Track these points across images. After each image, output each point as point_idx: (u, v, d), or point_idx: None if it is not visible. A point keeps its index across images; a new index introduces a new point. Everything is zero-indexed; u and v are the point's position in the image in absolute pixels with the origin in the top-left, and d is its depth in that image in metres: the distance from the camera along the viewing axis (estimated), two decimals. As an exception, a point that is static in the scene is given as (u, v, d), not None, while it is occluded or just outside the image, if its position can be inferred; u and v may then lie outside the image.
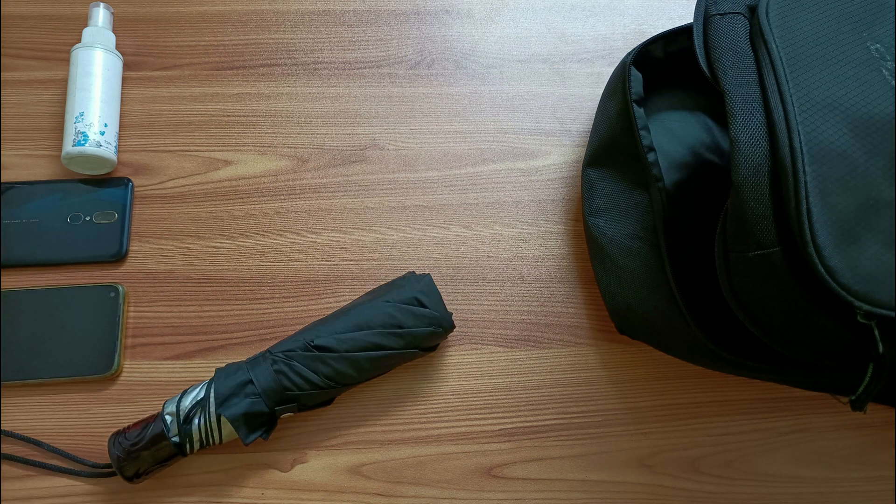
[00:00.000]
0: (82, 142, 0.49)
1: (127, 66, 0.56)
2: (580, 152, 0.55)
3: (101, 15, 0.54)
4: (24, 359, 0.45)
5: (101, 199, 0.50)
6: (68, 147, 0.49)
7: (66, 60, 0.55)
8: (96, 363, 0.46)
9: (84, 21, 0.57)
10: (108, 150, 0.50)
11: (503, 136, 0.55)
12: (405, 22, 0.59)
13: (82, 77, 0.51)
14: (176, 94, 0.55)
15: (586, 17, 0.60)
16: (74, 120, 0.50)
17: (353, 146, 0.54)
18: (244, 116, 0.55)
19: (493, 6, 0.60)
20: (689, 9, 0.60)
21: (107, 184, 0.51)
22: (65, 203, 0.50)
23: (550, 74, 0.57)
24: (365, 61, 0.57)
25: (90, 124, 0.50)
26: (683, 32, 0.50)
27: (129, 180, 0.51)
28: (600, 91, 0.57)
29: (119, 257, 0.49)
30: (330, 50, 0.57)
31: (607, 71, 0.58)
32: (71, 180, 0.51)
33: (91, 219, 0.49)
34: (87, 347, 0.46)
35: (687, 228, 0.46)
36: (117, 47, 0.56)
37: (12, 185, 0.50)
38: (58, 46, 0.56)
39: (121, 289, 0.48)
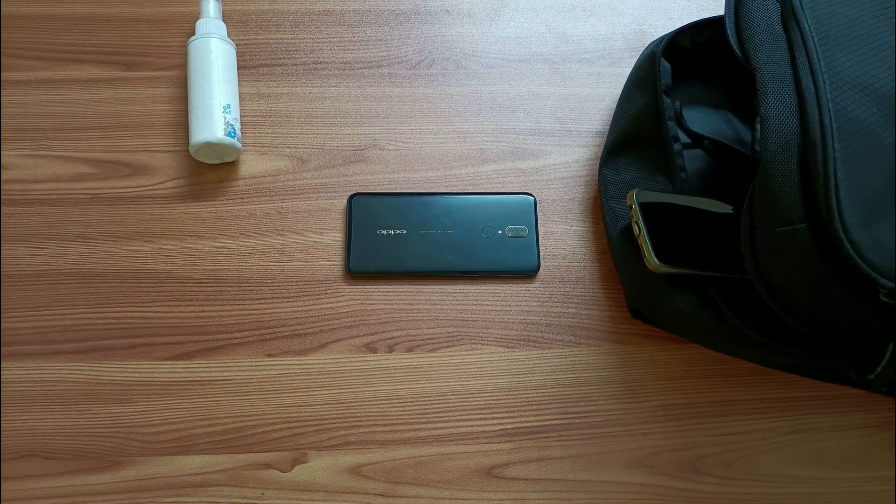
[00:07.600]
0: (232, 133, 0.50)
1: (127, 67, 0.56)
2: (581, 152, 0.55)
3: (211, 5, 0.55)
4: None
5: (510, 213, 0.52)
6: (218, 134, 0.49)
7: (66, 60, 0.55)
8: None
9: (84, 21, 0.57)
10: (239, 143, 0.52)
11: (503, 136, 0.55)
12: (405, 22, 0.59)
13: (224, 70, 0.52)
14: (176, 94, 0.55)
15: (586, 17, 0.60)
16: (223, 111, 0.51)
17: (353, 146, 0.54)
18: (244, 116, 0.55)
19: (493, 6, 0.60)
20: (689, 9, 0.60)
21: (513, 200, 0.52)
22: (477, 216, 0.52)
23: (550, 74, 0.57)
24: (365, 61, 0.57)
25: (237, 118, 0.52)
26: (710, 24, 0.50)
27: (531, 195, 0.53)
28: (600, 91, 0.57)
29: (534, 272, 0.51)
30: (330, 50, 0.57)
31: (607, 71, 0.58)
32: (480, 194, 0.53)
33: (503, 233, 0.51)
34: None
35: None
36: (122, 47, 0.56)
37: (417, 195, 0.52)
38: (58, 46, 0.56)
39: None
